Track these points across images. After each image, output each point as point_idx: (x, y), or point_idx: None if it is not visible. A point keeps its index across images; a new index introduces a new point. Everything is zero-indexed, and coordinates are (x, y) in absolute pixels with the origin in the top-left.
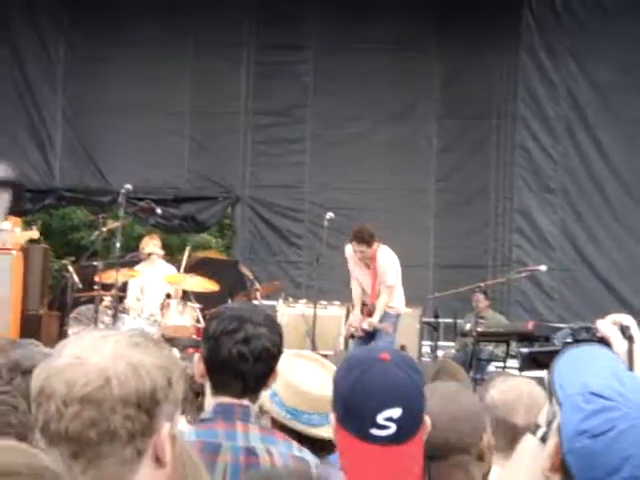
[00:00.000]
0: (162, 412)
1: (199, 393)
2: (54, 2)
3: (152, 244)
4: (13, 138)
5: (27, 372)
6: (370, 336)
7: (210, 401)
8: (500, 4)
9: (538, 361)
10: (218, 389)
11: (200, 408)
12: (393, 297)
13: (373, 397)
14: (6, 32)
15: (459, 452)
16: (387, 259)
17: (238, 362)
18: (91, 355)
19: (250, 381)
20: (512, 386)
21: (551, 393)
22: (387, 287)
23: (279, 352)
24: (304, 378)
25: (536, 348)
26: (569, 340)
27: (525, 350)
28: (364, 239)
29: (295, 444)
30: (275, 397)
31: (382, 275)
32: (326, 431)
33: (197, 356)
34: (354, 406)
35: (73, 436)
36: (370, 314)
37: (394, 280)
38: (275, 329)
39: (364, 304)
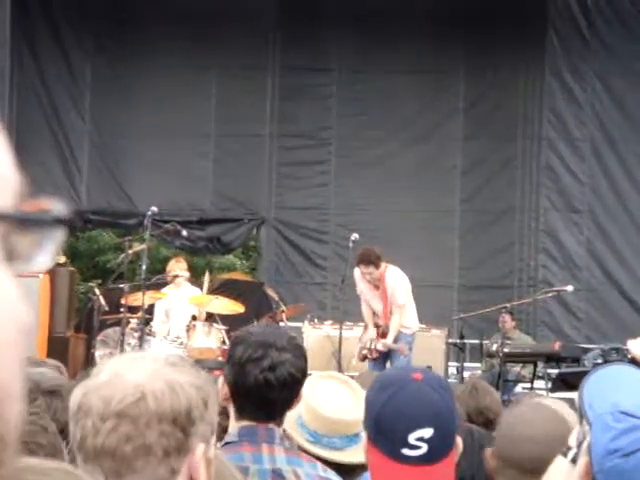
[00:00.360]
0: (197, 432)
1: (221, 413)
2: (81, 30)
3: (178, 267)
4: (40, 162)
5: (47, 392)
6: (384, 357)
7: (234, 424)
8: (525, 25)
9: (568, 382)
10: (243, 414)
11: (224, 431)
12: (406, 317)
13: (405, 417)
14: (34, 60)
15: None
16: (396, 279)
17: (264, 390)
18: (128, 372)
19: (276, 407)
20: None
21: (581, 413)
22: (398, 307)
23: (304, 376)
24: (325, 401)
25: (566, 369)
26: (599, 361)
27: (555, 371)
28: (371, 261)
29: (320, 465)
30: (299, 420)
31: (392, 295)
32: (350, 455)
33: (221, 379)
34: (386, 425)
35: (109, 451)
36: (384, 335)
37: (404, 299)
38: (299, 353)
39: (377, 325)
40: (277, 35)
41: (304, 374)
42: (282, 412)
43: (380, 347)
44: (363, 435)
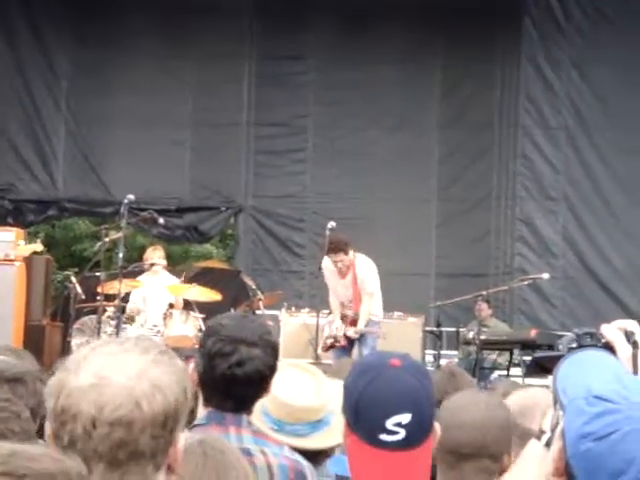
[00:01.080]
0: (180, 426)
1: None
2: (58, 18)
3: (156, 255)
4: (16, 151)
5: (11, 380)
6: (350, 345)
7: (202, 409)
8: (501, 13)
9: (543, 366)
10: (210, 403)
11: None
12: (374, 305)
13: (383, 403)
14: (10, 48)
15: (490, 457)
16: (366, 267)
17: (231, 384)
18: (115, 375)
19: (241, 401)
20: (531, 394)
21: (555, 398)
22: (368, 294)
23: (272, 373)
24: (288, 389)
25: (541, 354)
26: (574, 346)
27: (530, 356)
28: (340, 248)
29: (287, 447)
30: (263, 409)
31: (362, 282)
32: (314, 441)
33: (192, 365)
34: (364, 411)
35: (102, 456)
36: (353, 323)
37: (374, 287)
38: (270, 349)
39: (343, 315)
40: (255, 23)
41: (272, 370)
42: (249, 404)
43: (351, 333)
44: (329, 421)
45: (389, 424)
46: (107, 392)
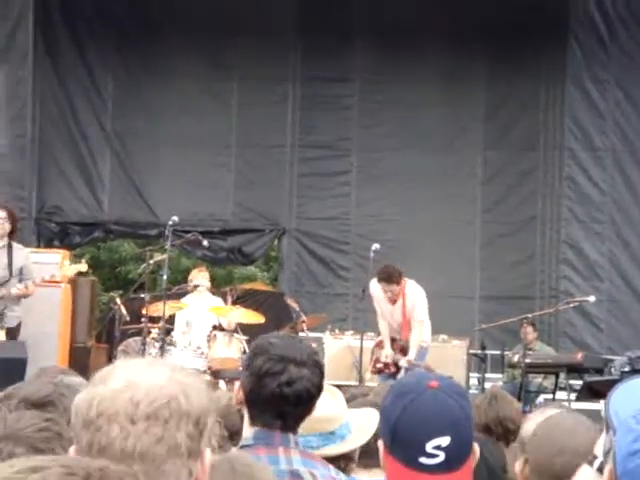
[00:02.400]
0: (207, 436)
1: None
2: (103, 41)
3: (201, 276)
4: (63, 173)
5: (38, 405)
6: (398, 371)
7: (248, 428)
8: (546, 33)
9: (596, 391)
10: (256, 421)
11: (233, 430)
12: (424, 331)
13: (422, 425)
14: (56, 72)
15: None
16: (415, 294)
17: (279, 403)
18: (145, 378)
19: (289, 421)
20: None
21: (607, 422)
22: (418, 322)
23: (319, 392)
24: None
25: (594, 378)
26: (627, 369)
27: (579, 382)
28: (393, 279)
29: (332, 467)
30: None
31: (412, 311)
32: (328, 453)
33: (237, 384)
34: (403, 434)
35: (142, 453)
36: (402, 350)
37: (424, 315)
38: (317, 370)
39: (393, 339)
40: (298, 46)
41: (319, 390)
42: (296, 424)
43: (403, 364)
44: (344, 435)
45: (429, 447)
46: (140, 390)
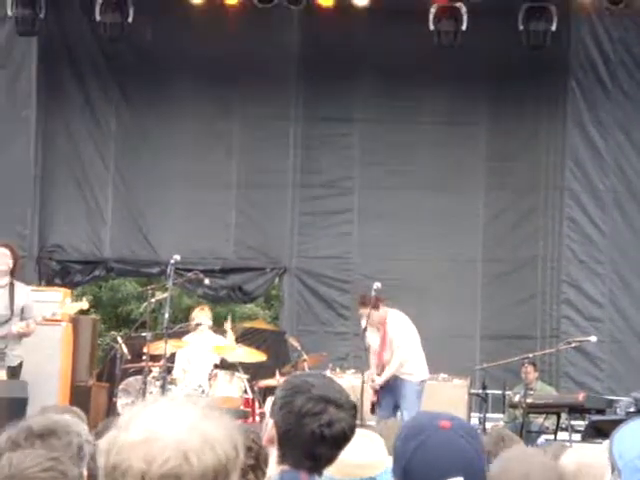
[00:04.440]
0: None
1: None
2: (106, 79)
3: (203, 315)
4: (65, 211)
5: (40, 435)
6: (394, 408)
7: (275, 467)
8: (547, 75)
9: (601, 430)
10: (285, 460)
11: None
12: (412, 364)
13: (435, 465)
14: (60, 109)
15: None
16: (396, 322)
17: (317, 444)
18: (165, 429)
19: (321, 462)
20: (587, 454)
21: (612, 464)
22: (396, 347)
23: (352, 435)
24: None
25: (599, 417)
26: (632, 410)
27: (581, 422)
28: (365, 302)
29: None
30: None
31: (392, 338)
32: None
33: (271, 422)
34: (415, 475)
35: None
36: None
37: (402, 342)
38: (353, 412)
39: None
40: (300, 86)
41: (353, 433)
42: (325, 465)
43: (373, 384)
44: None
45: None
46: (156, 446)
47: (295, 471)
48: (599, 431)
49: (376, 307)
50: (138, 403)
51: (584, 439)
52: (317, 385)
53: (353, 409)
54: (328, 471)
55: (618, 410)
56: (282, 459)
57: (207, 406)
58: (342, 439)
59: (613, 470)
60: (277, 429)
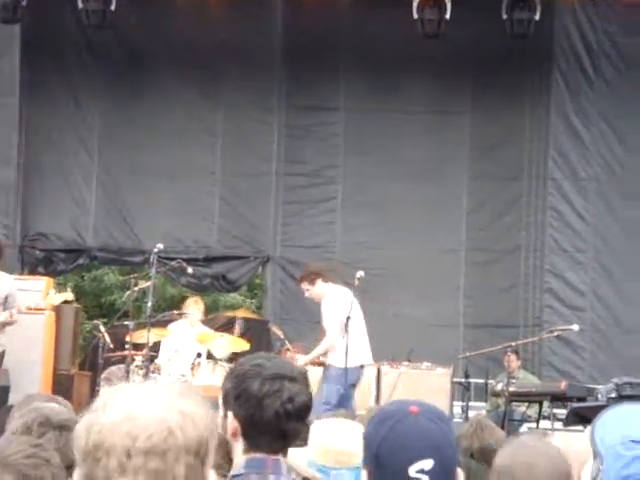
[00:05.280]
0: (210, 461)
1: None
2: (90, 69)
3: (196, 308)
4: (47, 199)
5: (58, 427)
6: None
7: (241, 456)
8: (531, 65)
9: (583, 416)
10: (253, 447)
11: (224, 456)
12: (335, 352)
13: (404, 449)
14: (43, 98)
15: None
16: (325, 302)
17: (283, 421)
18: (144, 408)
19: (290, 439)
20: (573, 440)
21: (594, 449)
22: (324, 331)
23: (311, 406)
24: (331, 435)
25: (581, 404)
26: (613, 395)
27: (562, 411)
28: (302, 278)
29: None
30: (308, 461)
31: (322, 317)
32: None
33: (230, 415)
34: (386, 459)
35: None
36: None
37: (327, 324)
38: (307, 382)
39: None
40: (284, 74)
41: (312, 403)
42: (292, 442)
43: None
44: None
45: (412, 471)
46: (139, 423)
47: (260, 459)
48: (580, 417)
49: (311, 282)
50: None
51: (565, 425)
52: (266, 366)
53: (305, 379)
54: (319, 460)
55: (599, 396)
56: (249, 447)
57: (182, 387)
58: (305, 411)
59: (595, 456)
60: (238, 420)
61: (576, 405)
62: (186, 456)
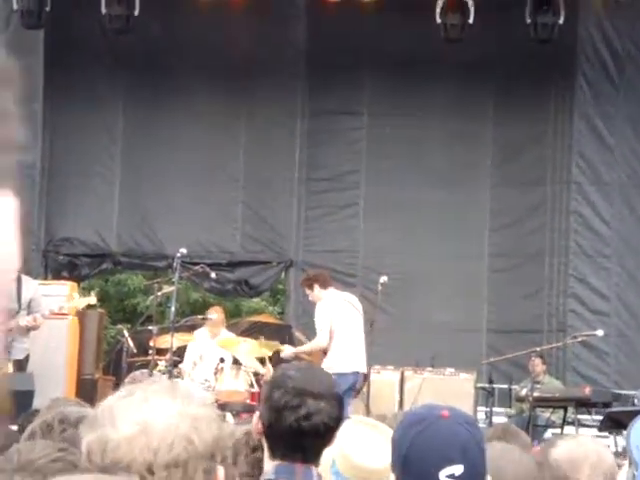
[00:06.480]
0: (220, 458)
1: (256, 448)
2: (115, 76)
3: (217, 315)
4: (71, 204)
5: (76, 424)
6: None
7: (269, 461)
8: (554, 69)
9: (618, 421)
10: (276, 454)
11: (254, 464)
12: (328, 358)
13: (435, 454)
14: (67, 106)
15: None
16: (318, 306)
17: (298, 437)
18: (156, 418)
19: (308, 454)
20: (579, 444)
21: (629, 456)
22: (318, 332)
23: (337, 425)
24: (358, 449)
25: (617, 408)
26: None
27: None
28: (301, 283)
29: None
30: (333, 467)
31: (315, 321)
32: None
33: (256, 415)
34: (415, 463)
35: None
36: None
37: (318, 327)
38: (335, 402)
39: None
40: (306, 80)
41: (338, 422)
42: (316, 455)
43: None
44: None
45: (442, 475)
46: (156, 435)
47: (290, 464)
48: (616, 422)
49: (310, 287)
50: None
51: (601, 430)
52: (295, 378)
53: (334, 398)
54: (346, 474)
55: (636, 401)
56: (272, 453)
57: (181, 390)
58: (323, 430)
59: (630, 462)
60: (262, 422)
61: (612, 410)
62: (204, 462)
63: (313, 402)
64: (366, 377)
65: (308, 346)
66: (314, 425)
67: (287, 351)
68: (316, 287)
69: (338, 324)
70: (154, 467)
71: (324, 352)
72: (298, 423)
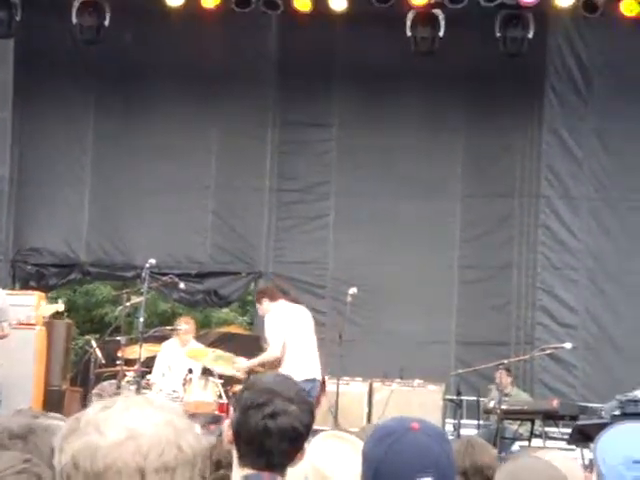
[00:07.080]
0: (199, 469)
1: (219, 463)
2: (84, 84)
3: (189, 326)
4: (39, 214)
5: (22, 437)
6: None
7: (237, 471)
8: (524, 83)
9: (587, 434)
10: (243, 461)
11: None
12: (283, 368)
13: (406, 466)
14: (37, 116)
15: None
16: (267, 318)
17: (263, 437)
18: (144, 426)
19: (274, 458)
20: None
21: (596, 469)
22: (270, 345)
23: (307, 432)
24: (330, 462)
25: (585, 421)
26: (617, 413)
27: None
28: (256, 298)
29: None
30: None
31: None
32: None
33: (227, 422)
34: (387, 476)
35: None
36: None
37: (270, 337)
38: (306, 408)
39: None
40: (277, 90)
41: (308, 429)
42: (282, 463)
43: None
44: None
45: None
46: (145, 440)
47: (257, 474)
48: (585, 435)
49: (259, 302)
50: (93, 406)
51: (569, 443)
52: (267, 380)
53: (305, 404)
54: None
55: (603, 413)
56: (240, 460)
57: (157, 403)
58: (291, 433)
59: (598, 476)
60: (232, 429)
61: (580, 423)
62: (190, 470)
63: (281, 402)
64: (324, 384)
65: (261, 358)
66: (281, 426)
67: (240, 364)
68: (265, 301)
69: (290, 334)
70: (145, 470)
71: (278, 363)
72: (264, 422)
